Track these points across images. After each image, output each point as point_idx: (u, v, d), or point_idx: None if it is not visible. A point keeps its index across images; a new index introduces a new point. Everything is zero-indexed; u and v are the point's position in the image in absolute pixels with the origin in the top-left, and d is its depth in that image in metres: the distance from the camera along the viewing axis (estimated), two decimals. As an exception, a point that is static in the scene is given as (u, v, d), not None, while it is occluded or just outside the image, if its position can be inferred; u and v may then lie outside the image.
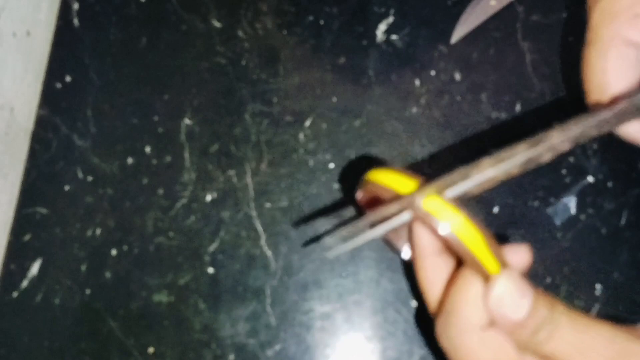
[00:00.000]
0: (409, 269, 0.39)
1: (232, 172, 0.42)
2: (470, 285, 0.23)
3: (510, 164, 0.23)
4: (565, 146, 0.23)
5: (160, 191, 0.42)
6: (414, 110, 0.43)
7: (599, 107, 0.25)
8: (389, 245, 0.31)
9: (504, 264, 0.23)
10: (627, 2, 0.25)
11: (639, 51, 0.25)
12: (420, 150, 0.42)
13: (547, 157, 0.23)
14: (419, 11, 0.45)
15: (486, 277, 0.22)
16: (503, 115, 0.42)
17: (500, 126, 0.42)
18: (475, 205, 0.40)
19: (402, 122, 0.42)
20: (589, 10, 0.26)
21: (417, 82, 0.43)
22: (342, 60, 0.44)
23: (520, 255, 0.24)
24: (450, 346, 0.23)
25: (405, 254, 0.29)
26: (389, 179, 0.24)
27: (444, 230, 0.22)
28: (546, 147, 0.23)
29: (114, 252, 0.41)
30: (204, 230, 0.41)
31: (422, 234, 0.24)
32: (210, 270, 0.40)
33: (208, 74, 0.45)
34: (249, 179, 0.42)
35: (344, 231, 0.24)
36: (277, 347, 0.38)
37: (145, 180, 0.42)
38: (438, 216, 0.22)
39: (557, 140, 0.23)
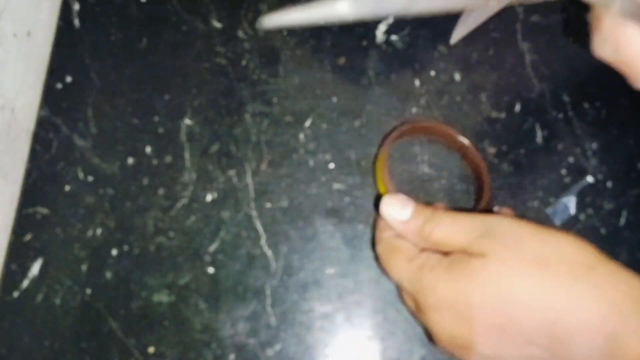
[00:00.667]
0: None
1: (232, 172, 0.42)
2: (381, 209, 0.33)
3: None
4: None
5: (161, 191, 0.42)
6: (414, 110, 0.43)
7: None
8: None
9: (390, 190, 0.37)
10: None
11: None
12: (420, 151, 0.42)
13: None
14: (418, 12, 0.45)
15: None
16: (503, 116, 0.43)
17: (500, 126, 0.42)
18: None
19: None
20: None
21: (417, 83, 0.44)
22: (342, 60, 0.45)
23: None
24: (376, 254, 0.34)
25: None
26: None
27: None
28: None
29: (114, 252, 0.41)
30: (204, 230, 0.41)
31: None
32: (211, 270, 0.40)
33: (208, 75, 0.45)
34: (249, 179, 0.42)
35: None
36: (277, 346, 0.38)
37: (145, 181, 0.42)
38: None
39: None
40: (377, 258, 0.34)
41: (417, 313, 0.32)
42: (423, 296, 0.30)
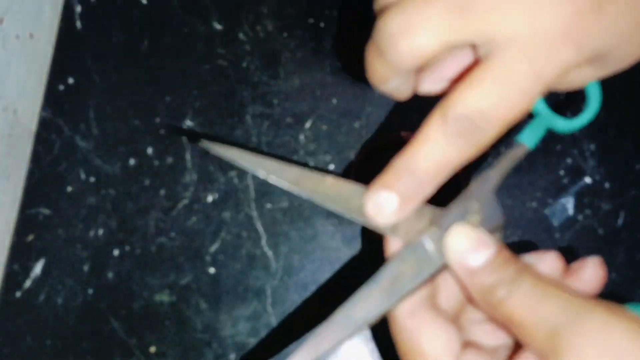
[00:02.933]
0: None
1: (233, 173, 0.42)
2: None
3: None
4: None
5: (162, 192, 0.42)
6: (414, 111, 0.43)
7: None
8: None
9: None
10: None
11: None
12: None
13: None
14: (418, 14, 0.46)
15: None
16: (501, 117, 0.43)
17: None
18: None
19: (402, 124, 0.43)
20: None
21: (417, 84, 0.44)
22: (342, 62, 0.45)
23: (590, 270, 0.22)
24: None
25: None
26: None
27: None
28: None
29: (116, 252, 0.41)
30: (205, 231, 0.41)
31: None
32: (212, 270, 0.40)
33: (209, 76, 0.45)
34: (249, 180, 0.42)
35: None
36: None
37: (147, 181, 0.43)
38: None
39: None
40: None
41: None
42: None
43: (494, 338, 0.23)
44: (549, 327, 0.19)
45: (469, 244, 0.21)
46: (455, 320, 0.23)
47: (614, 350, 0.18)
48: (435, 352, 0.21)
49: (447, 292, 0.23)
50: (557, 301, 0.19)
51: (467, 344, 0.22)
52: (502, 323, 0.21)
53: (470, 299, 0.22)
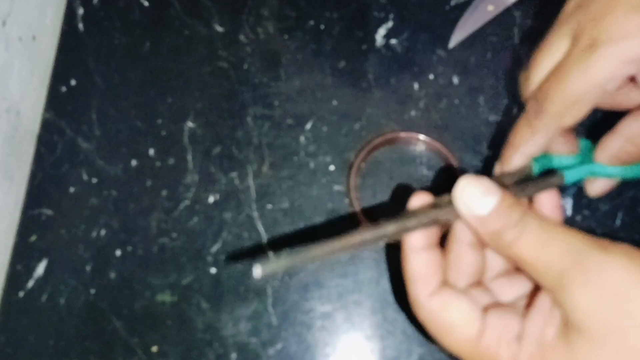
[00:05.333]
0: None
1: (234, 174, 0.43)
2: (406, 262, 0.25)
3: (343, 246, 0.24)
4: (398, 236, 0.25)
5: (164, 193, 0.43)
6: (413, 113, 0.44)
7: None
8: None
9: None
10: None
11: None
12: (419, 153, 0.43)
13: (380, 243, 0.25)
14: (417, 16, 0.46)
15: None
16: (500, 119, 0.43)
17: (498, 129, 0.43)
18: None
19: (402, 125, 0.43)
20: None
21: (416, 86, 0.44)
22: (342, 64, 0.45)
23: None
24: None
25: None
26: None
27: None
28: (379, 234, 0.24)
29: (118, 252, 0.41)
30: (206, 231, 0.41)
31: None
32: (213, 270, 0.41)
33: (210, 78, 0.45)
34: (250, 181, 0.42)
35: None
36: (279, 346, 0.39)
37: (149, 182, 0.43)
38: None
39: (391, 230, 0.24)
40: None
41: None
42: None
43: (509, 292, 0.26)
44: (556, 266, 0.21)
45: (475, 193, 0.23)
46: (470, 290, 0.26)
47: (610, 284, 0.20)
48: (462, 321, 0.24)
49: (457, 270, 0.26)
50: (561, 242, 0.22)
51: (487, 307, 0.24)
52: (515, 263, 0.23)
53: (484, 243, 0.25)
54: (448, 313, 0.24)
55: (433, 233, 0.25)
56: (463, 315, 0.24)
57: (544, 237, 0.22)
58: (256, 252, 0.41)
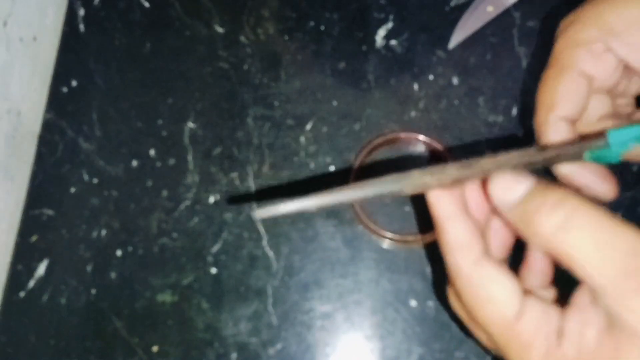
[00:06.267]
0: (407, 269, 0.40)
1: (234, 175, 0.43)
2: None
3: (439, 178, 0.24)
4: (494, 171, 0.24)
5: (164, 193, 0.43)
6: (413, 114, 0.44)
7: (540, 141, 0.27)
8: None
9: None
10: (590, 36, 0.26)
11: (589, 83, 0.27)
12: (419, 153, 0.43)
13: (475, 178, 0.24)
14: (417, 17, 0.46)
15: None
16: (500, 119, 0.43)
17: (498, 130, 0.43)
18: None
19: (401, 125, 0.43)
20: (556, 37, 0.28)
21: (416, 87, 0.44)
22: (342, 64, 0.45)
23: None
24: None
25: None
26: None
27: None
28: (476, 170, 0.24)
29: (118, 252, 0.41)
30: (207, 232, 0.42)
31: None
32: (213, 270, 0.41)
33: (211, 79, 0.45)
34: (251, 181, 0.43)
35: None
36: (279, 346, 0.39)
37: (149, 183, 0.43)
38: None
39: (488, 166, 0.24)
40: (447, 293, 0.26)
41: None
42: None
43: (535, 279, 0.25)
44: (611, 268, 0.19)
45: (507, 182, 0.22)
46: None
47: None
48: (502, 298, 0.22)
49: (498, 243, 0.25)
50: (619, 242, 0.19)
51: (526, 291, 0.23)
52: (554, 257, 0.21)
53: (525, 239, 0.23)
54: (490, 286, 0.22)
55: (462, 198, 0.24)
56: (505, 292, 0.22)
57: (596, 233, 0.20)
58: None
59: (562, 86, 0.27)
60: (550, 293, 0.25)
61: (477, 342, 0.25)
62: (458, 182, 0.24)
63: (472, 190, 0.25)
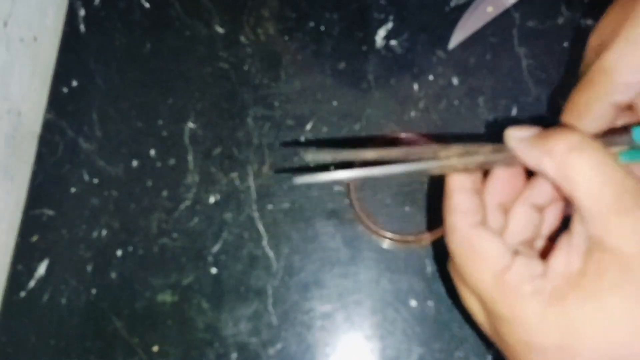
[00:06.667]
0: (407, 269, 0.40)
1: (234, 175, 0.43)
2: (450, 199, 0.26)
3: (465, 162, 0.26)
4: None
5: (165, 193, 0.43)
6: (413, 114, 0.44)
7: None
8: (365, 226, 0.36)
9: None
10: (631, 68, 0.26)
11: (616, 113, 0.27)
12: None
13: (501, 164, 0.26)
14: (417, 17, 0.46)
15: None
16: (500, 119, 0.43)
17: (497, 130, 0.43)
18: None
19: (401, 125, 0.43)
20: (601, 46, 0.27)
21: (416, 87, 0.44)
22: (342, 65, 0.45)
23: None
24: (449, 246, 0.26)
25: None
26: None
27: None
28: (504, 156, 0.26)
29: (119, 252, 0.41)
30: (207, 232, 0.42)
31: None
32: (213, 270, 0.41)
33: (211, 79, 0.46)
34: (251, 182, 0.43)
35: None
36: (279, 345, 0.39)
37: (149, 183, 0.43)
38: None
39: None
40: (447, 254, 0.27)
41: (496, 338, 0.26)
42: (515, 325, 0.24)
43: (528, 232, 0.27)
44: (605, 199, 0.22)
45: (523, 129, 0.25)
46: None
47: None
48: (492, 254, 0.24)
49: (494, 216, 0.27)
50: (617, 181, 0.22)
51: (515, 252, 0.25)
52: (561, 184, 0.23)
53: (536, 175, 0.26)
54: (481, 244, 0.25)
55: (477, 180, 0.27)
56: (495, 249, 0.25)
57: (600, 164, 0.22)
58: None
59: (597, 110, 0.27)
60: (535, 252, 0.27)
61: (476, 340, 0.26)
62: (484, 165, 0.26)
63: (498, 179, 0.27)
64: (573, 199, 0.23)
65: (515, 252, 0.25)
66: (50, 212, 0.43)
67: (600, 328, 0.22)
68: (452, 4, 0.46)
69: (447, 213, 0.26)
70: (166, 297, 0.40)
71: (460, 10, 0.46)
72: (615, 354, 0.21)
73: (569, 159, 0.23)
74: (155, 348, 0.39)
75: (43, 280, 0.41)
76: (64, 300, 0.41)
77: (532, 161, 0.24)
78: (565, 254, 0.23)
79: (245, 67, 0.46)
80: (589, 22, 0.45)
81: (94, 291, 0.41)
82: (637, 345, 0.21)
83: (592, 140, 0.23)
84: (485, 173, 0.27)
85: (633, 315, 0.21)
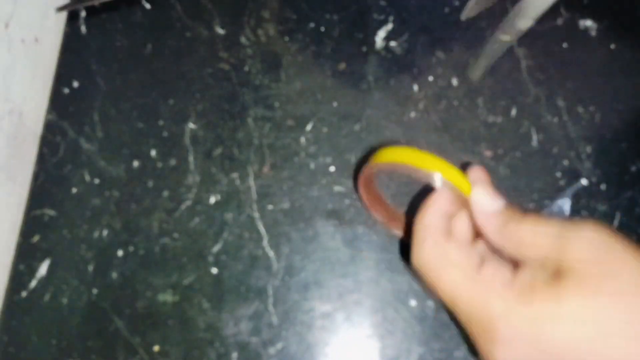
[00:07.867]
0: (407, 269, 0.40)
1: (235, 175, 0.43)
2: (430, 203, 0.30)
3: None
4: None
5: (165, 193, 0.43)
6: (413, 114, 0.44)
7: None
8: (387, 226, 0.37)
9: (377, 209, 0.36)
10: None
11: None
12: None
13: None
14: (417, 18, 0.47)
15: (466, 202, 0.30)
16: (499, 120, 0.43)
17: (497, 130, 0.43)
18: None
19: (401, 126, 0.43)
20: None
21: (416, 88, 0.45)
22: (342, 66, 0.46)
23: (478, 173, 0.31)
24: (415, 257, 0.29)
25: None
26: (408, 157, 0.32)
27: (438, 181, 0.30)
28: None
29: (120, 252, 0.42)
30: (207, 232, 0.42)
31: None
32: (214, 270, 0.41)
33: (212, 80, 0.46)
34: (251, 182, 0.43)
35: None
36: (279, 345, 0.39)
37: (150, 183, 0.43)
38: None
39: None
40: (409, 260, 0.30)
41: (475, 338, 0.27)
42: (489, 324, 0.26)
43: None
44: (552, 241, 0.26)
45: (487, 197, 0.29)
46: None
47: (596, 239, 0.25)
48: (462, 260, 0.28)
49: (459, 229, 0.30)
50: (549, 224, 0.27)
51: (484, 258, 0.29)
52: (512, 247, 0.28)
53: (486, 237, 0.29)
54: (452, 253, 0.28)
55: (449, 202, 0.30)
56: (464, 256, 0.28)
57: (535, 220, 0.27)
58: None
59: None
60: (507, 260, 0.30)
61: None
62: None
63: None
64: (526, 258, 0.27)
65: (485, 258, 0.28)
66: (52, 213, 0.43)
67: (567, 324, 0.24)
68: (463, 17, 0.46)
69: (419, 228, 0.30)
70: (167, 297, 0.41)
71: (460, 11, 0.46)
72: (582, 348, 0.24)
73: (513, 235, 0.28)
74: (156, 348, 0.39)
75: (44, 280, 0.41)
76: (65, 300, 0.41)
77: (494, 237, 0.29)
78: (532, 270, 0.26)
79: (246, 68, 0.46)
80: (588, 23, 0.45)
81: (95, 291, 0.41)
82: (600, 342, 0.24)
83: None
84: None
85: (594, 314, 0.24)
